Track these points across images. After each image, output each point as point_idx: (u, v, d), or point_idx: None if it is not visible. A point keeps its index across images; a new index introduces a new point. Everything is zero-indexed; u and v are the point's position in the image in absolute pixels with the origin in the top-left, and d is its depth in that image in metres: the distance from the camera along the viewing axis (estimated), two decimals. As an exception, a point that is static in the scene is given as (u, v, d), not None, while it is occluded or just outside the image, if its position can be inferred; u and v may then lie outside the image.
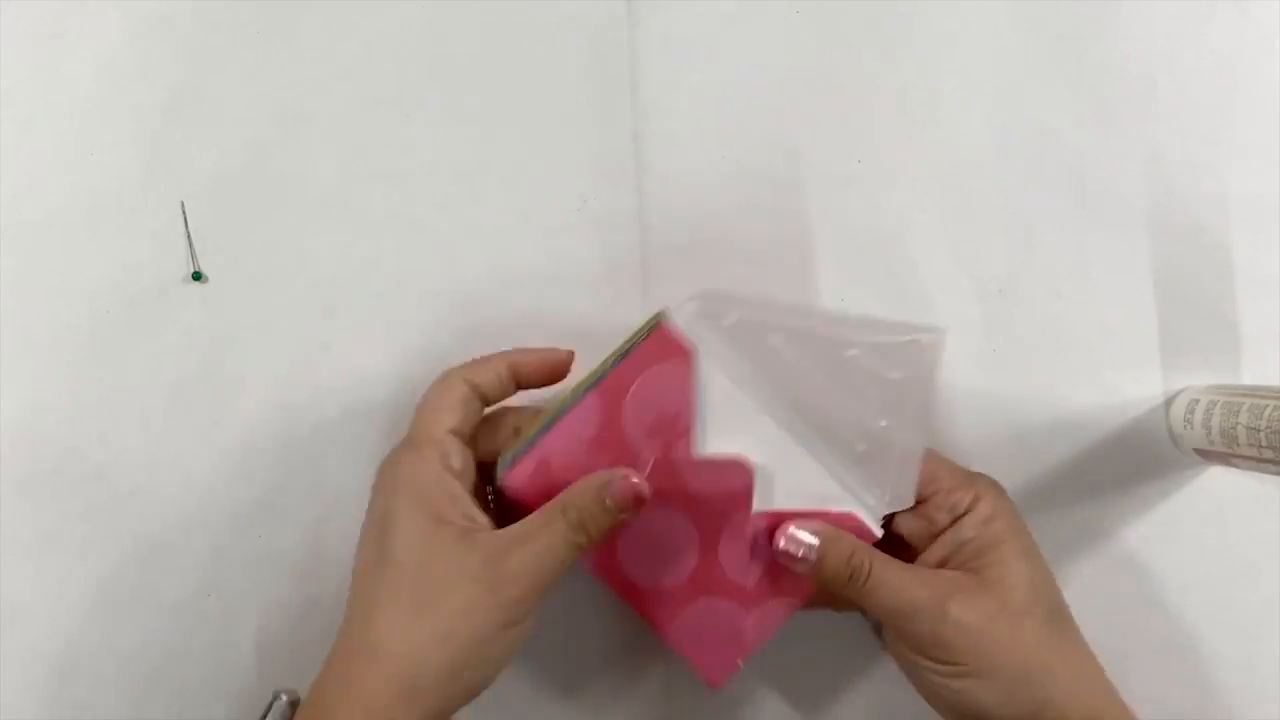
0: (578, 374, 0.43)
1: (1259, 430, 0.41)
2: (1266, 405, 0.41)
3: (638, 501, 0.39)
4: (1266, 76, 0.48)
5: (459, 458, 0.40)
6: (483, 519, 0.39)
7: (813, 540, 0.40)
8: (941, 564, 0.41)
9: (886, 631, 0.42)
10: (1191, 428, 0.45)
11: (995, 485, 0.43)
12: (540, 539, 0.38)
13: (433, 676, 0.36)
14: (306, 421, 0.47)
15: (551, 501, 0.39)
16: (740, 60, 0.49)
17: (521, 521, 0.38)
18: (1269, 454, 0.40)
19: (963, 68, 0.49)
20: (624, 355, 0.40)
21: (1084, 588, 0.47)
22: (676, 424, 0.40)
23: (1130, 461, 0.47)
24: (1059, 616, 0.41)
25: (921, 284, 0.48)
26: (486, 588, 0.37)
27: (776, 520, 0.41)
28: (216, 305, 0.47)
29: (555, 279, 0.48)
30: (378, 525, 0.39)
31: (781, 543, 0.40)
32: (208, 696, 0.46)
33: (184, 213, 0.48)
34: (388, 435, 0.47)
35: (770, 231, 0.48)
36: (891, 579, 0.40)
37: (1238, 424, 0.42)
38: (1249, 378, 0.47)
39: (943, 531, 0.41)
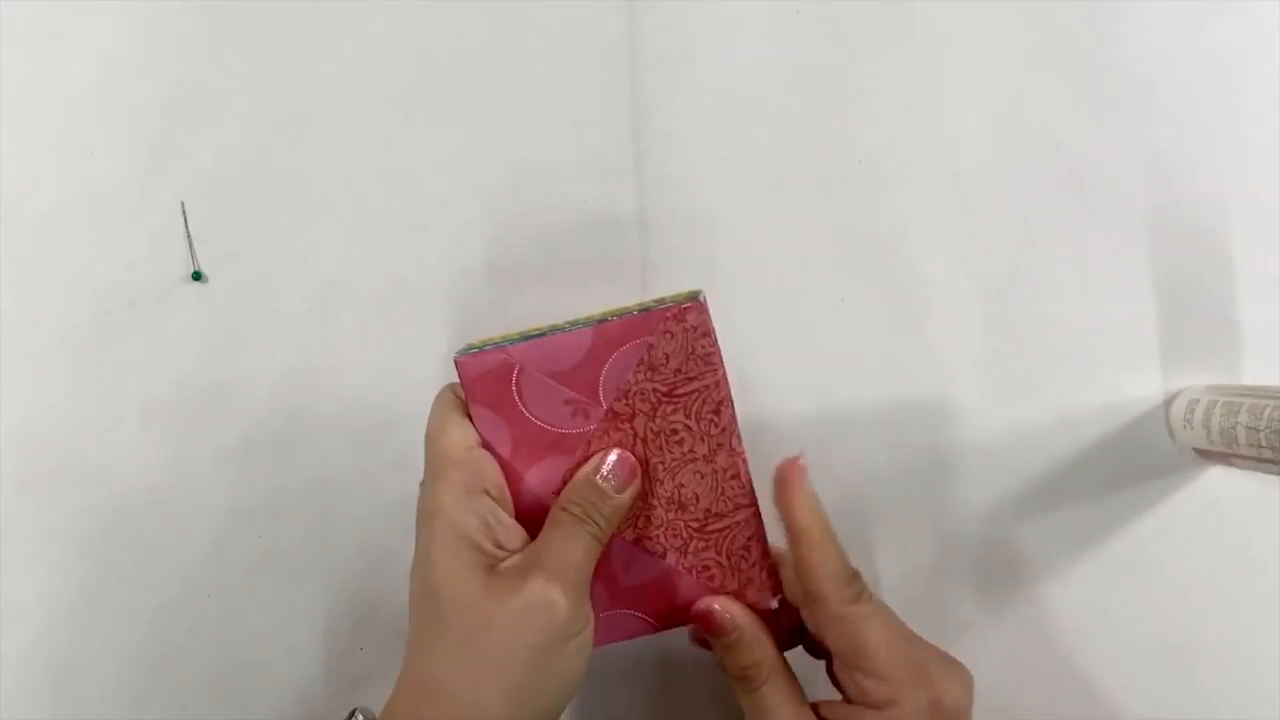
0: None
1: (1259, 430, 0.41)
2: (1266, 405, 0.41)
3: (632, 474, 0.39)
4: (1266, 76, 0.48)
5: (487, 470, 0.39)
6: (518, 534, 0.39)
7: (736, 625, 0.39)
8: None
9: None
10: (1191, 428, 0.45)
11: (930, 695, 0.38)
12: (556, 542, 0.38)
13: (496, 707, 0.35)
14: (306, 421, 0.47)
15: (553, 506, 0.39)
16: (740, 60, 0.49)
17: (540, 535, 0.38)
18: (1269, 454, 0.40)
19: (963, 68, 0.49)
20: (640, 311, 0.39)
21: (1084, 588, 0.47)
22: (659, 395, 0.39)
23: (1130, 461, 0.47)
24: None
25: (921, 284, 0.48)
26: (525, 602, 0.36)
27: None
28: (216, 305, 0.47)
29: (555, 279, 0.48)
30: (422, 564, 0.38)
31: (704, 606, 0.40)
32: (208, 696, 0.46)
33: (184, 213, 0.48)
34: (388, 435, 0.47)
35: (770, 231, 0.48)
36: (773, 707, 0.39)
37: (1237, 424, 0.42)
38: (1249, 378, 0.47)
39: (854, 704, 0.39)
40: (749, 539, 0.40)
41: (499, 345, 0.39)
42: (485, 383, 0.39)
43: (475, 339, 0.40)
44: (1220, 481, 0.47)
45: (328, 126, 0.48)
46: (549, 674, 0.36)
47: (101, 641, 0.46)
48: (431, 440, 0.39)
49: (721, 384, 0.39)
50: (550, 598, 0.36)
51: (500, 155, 0.48)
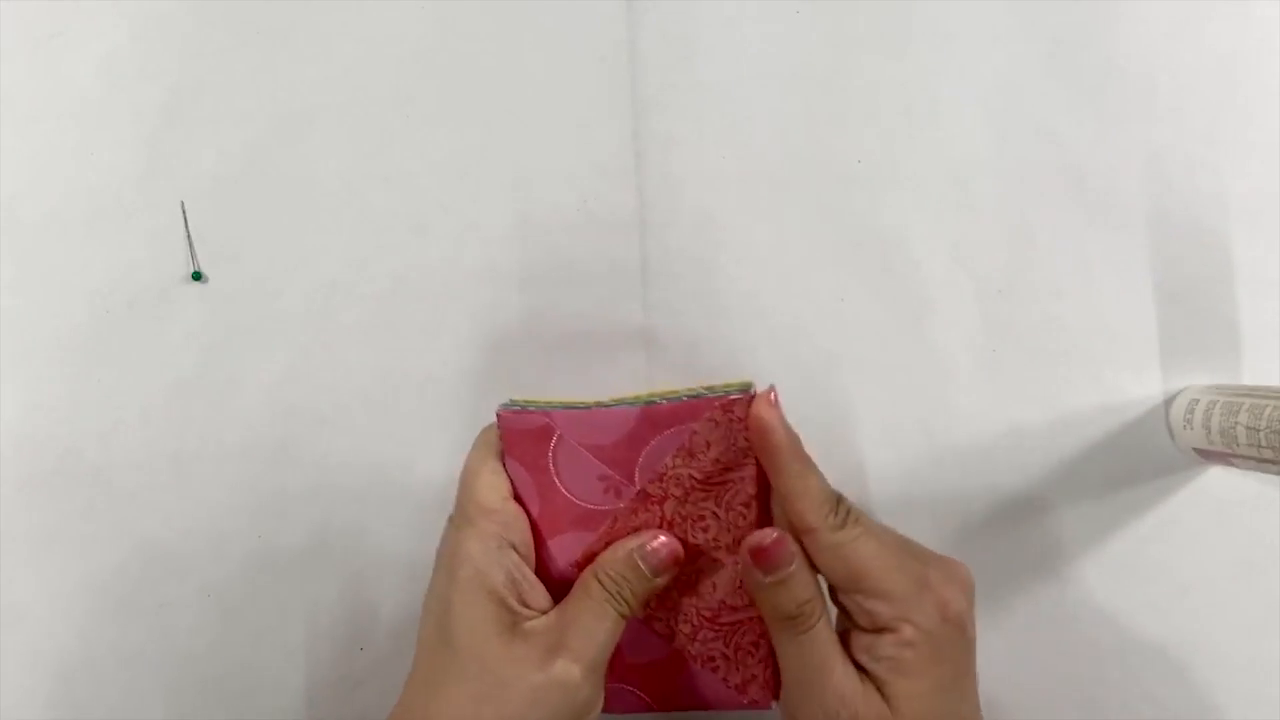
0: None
1: (1259, 430, 0.41)
2: (1266, 405, 0.41)
3: (674, 563, 0.38)
4: (1266, 76, 0.48)
5: (517, 526, 0.39)
6: (543, 594, 0.38)
7: (796, 556, 0.37)
8: (862, 668, 0.37)
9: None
10: (1191, 428, 0.45)
11: (935, 604, 0.37)
12: (585, 619, 0.37)
13: None
14: (306, 421, 0.47)
15: (586, 571, 0.38)
16: (740, 60, 0.49)
17: (565, 601, 0.38)
18: (1269, 454, 0.40)
19: (963, 68, 0.49)
20: (689, 396, 0.39)
21: (1084, 588, 0.47)
22: (694, 482, 0.38)
23: (1130, 461, 0.47)
24: None
25: (922, 284, 0.48)
26: (548, 679, 0.36)
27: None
28: (216, 305, 0.47)
29: (555, 279, 0.48)
30: (439, 605, 0.38)
31: (765, 536, 0.37)
32: (208, 696, 0.46)
33: (184, 213, 0.48)
34: (388, 435, 0.47)
35: (770, 231, 0.48)
36: (825, 646, 0.37)
37: (1237, 424, 0.42)
38: (1249, 378, 0.47)
39: (865, 630, 0.37)
40: (759, 635, 0.40)
41: (543, 409, 0.39)
42: (523, 441, 0.39)
43: (519, 396, 0.40)
44: (1220, 481, 0.47)
45: (328, 126, 0.48)
46: None
47: (101, 641, 0.46)
48: (467, 482, 0.39)
49: (758, 478, 0.39)
50: (573, 679, 0.36)
51: (500, 155, 0.48)
